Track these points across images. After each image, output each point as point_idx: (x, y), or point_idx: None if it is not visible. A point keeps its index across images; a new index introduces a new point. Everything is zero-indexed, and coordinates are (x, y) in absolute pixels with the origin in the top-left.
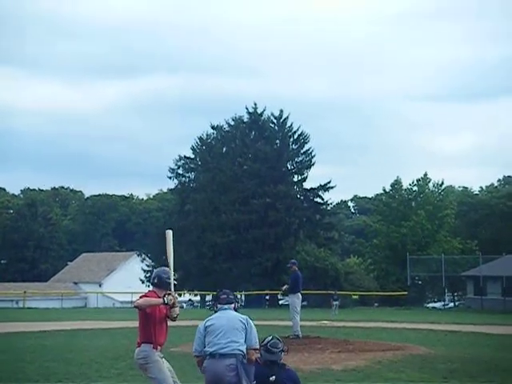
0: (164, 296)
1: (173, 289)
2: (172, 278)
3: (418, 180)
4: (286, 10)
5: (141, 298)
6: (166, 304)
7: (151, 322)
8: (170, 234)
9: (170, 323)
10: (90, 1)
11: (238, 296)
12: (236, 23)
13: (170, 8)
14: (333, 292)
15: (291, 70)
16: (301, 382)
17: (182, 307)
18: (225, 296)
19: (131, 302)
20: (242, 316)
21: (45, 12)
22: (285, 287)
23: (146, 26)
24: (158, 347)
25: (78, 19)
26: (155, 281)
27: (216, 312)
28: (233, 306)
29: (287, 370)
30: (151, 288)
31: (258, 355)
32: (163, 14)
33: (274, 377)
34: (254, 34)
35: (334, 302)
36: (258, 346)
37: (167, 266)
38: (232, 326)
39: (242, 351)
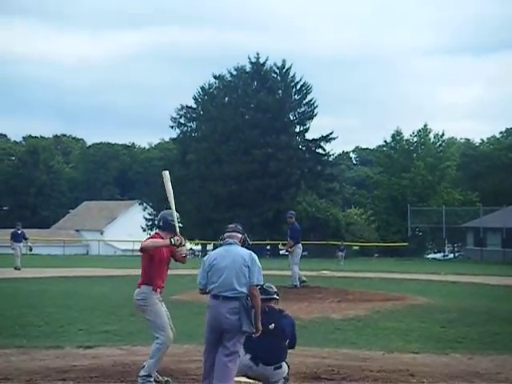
0: (171, 237)
1: (178, 230)
2: (176, 219)
3: (419, 131)
4: None
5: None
6: (173, 245)
7: (153, 264)
8: (166, 174)
9: (171, 271)
10: None
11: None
12: None
13: None
14: (339, 243)
15: (296, 24)
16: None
17: (190, 249)
18: (233, 225)
19: (132, 251)
20: (246, 252)
21: None
22: (290, 243)
23: None
24: (158, 289)
25: None
26: (161, 223)
27: (221, 246)
28: (240, 236)
29: (286, 315)
30: (157, 231)
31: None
32: None
33: (273, 325)
34: None
35: (340, 253)
36: (260, 283)
37: (169, 209)
38: (235, 267)
39: (245, 292)
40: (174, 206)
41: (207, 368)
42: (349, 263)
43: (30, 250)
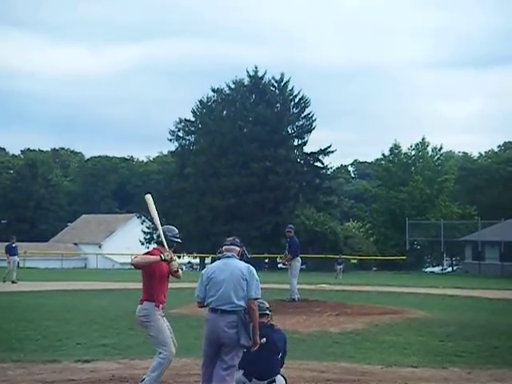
0: (161, 253)
1: (166, 246)
2: (163, 235)
3: (417, 144)
4: None
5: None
6: (164, 260)
7: (153, 280)
8: (149, 198)
9: (170, 285)
10: None
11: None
12: None
13: None
14: (337, 256)
15: (294, 36)
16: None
17: (182, 269)
18: (231, 238)
19: (131, 264)
20: (244, 265)
21: None
22: (288, 257)
23: None
24: (160, 305)
25: None
26: (159, 239)
27: (219, 259)
28: (238, 249)
29: (277, 330)
30: (155, 246)
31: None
32: None
33: (264, 339)
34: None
35: (338, 266)
36: (258, 296)
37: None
38: (233, 280)
39: (244, 306)
40: (160, 227)
41: (205, 382)
42: (347, 277)
43: (18, 265)
